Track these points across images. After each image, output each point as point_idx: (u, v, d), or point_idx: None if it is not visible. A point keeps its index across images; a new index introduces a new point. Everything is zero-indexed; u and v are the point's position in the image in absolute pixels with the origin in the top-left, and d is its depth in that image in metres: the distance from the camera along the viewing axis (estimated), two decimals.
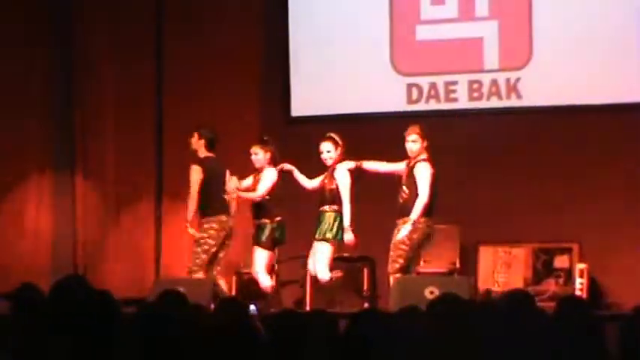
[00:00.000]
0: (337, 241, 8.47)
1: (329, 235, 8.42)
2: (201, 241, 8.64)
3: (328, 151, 8.46)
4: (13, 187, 10.76)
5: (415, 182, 8.18)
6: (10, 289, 4.85)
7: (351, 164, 8.47)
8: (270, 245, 8.75)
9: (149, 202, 10.75)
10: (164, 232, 10.65)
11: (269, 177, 8.69)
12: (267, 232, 8.69)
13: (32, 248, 10.62)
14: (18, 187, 10.76)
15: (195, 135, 8.83)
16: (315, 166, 8.65)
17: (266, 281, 8.70)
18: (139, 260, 10.67)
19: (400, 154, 8.34)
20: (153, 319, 3.82)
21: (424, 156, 8.25)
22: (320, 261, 8.46)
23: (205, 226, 8.67)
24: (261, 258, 8.69)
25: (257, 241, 8.72)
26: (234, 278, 9.53)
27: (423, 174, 8.18)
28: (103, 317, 3.25)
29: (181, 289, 6.16)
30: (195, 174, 8.66)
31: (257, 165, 8.68)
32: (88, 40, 10.83)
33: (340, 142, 8.47)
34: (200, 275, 8.61)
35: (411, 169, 8.24)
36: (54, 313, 3.38)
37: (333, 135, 8.50)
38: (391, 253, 8.17)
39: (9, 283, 5.45)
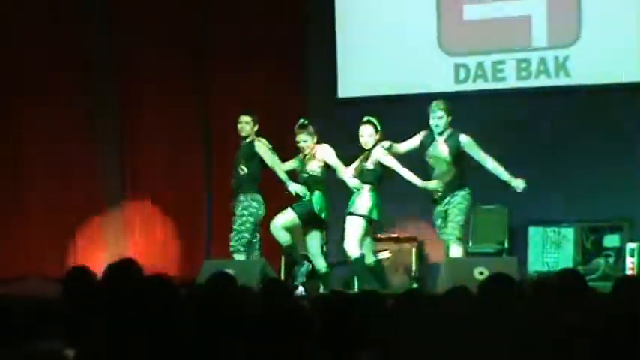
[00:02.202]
0: (371, 220, 8.40)
1: (363, 212, 8.34)
2: (244, 219, 8.70)
3: (370, 135, 8.40)
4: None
5: (455, 155, 8.17)
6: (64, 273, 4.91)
7: (386, 144, 8.41)
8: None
9: (199, 183, 10.80)
10: (215, 213, 10.69)
11: (330, 152, 8.64)
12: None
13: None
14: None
15: (251, 121, 8.83)
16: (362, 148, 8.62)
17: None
18: (189, 241, 10.74)
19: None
20: (203, 301, 3.85)
21: (452, 129, 8.24)
22: (350, 235, 8.39)
23: (245, 204, 8.73)
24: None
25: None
26: (282, 259, 9.55)
27: (473, 144, 8.20)
28: (163, 300, 3.28)
29: (231, 271, 6.23)
30: (264, 146, 8.73)
31: (307, 151, 8.62)
32: (130, 26, 10.91)
33: (379, 127, 8.41)
34: (242, 256, 8.66)
35: (449, 142, 8.20)
36: (110, 296, 3.43)
37: (372, 119, 8.44)
38: (451, 223, 8.11)
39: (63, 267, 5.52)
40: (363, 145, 8.41)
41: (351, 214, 8.34)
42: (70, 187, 10.84)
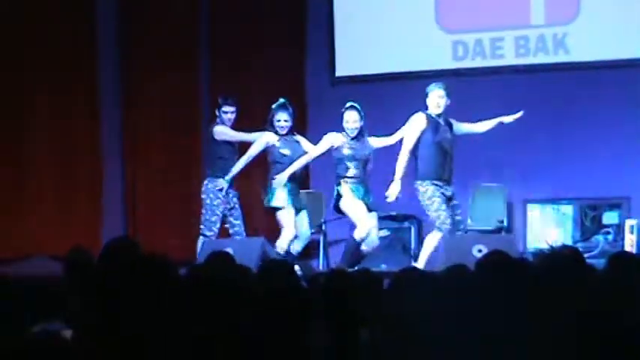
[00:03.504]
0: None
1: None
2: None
3: (355, 121, 8.35)
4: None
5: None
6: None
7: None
8: None
9: (197, 163, 10.79)
10: None
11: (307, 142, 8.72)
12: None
13: (84, 218, 10.72)
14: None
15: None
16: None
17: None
18: (186, 221, 10.72)
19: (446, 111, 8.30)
20: (202, 281, 3.85)
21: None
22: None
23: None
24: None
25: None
26: None
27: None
28: (160, 280, 3.28)
29: (229, 250, 6.23)
30: None
31: (285, 132, 8.60)
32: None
33: (362, 113, 8.38)
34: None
35: (450, 125, 8.21)
36: (105, 275, 3.43)
37: (355, 104, 8.38)
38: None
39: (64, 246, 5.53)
40: (348, 131, 8.32)
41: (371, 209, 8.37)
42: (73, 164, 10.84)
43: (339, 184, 8.29)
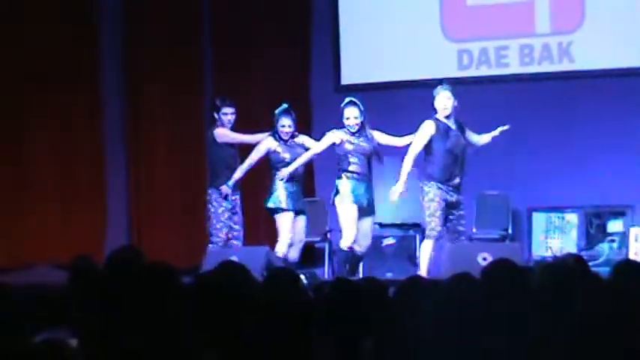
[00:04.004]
0: None
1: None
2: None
3: (356, 117, 8.32)
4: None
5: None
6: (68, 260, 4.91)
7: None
8: None
9: (200, 163, 10.78)
10: None
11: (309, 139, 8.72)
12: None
13: (87, 226, 10.68)
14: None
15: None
16: None
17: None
18: (190, 229, 10.71)
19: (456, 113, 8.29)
20: (206, 289, 3.85)
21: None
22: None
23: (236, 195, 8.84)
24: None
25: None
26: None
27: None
28: (164, 289, 3.28)
29: (235, 259, 6.22)
30: None
31: (288, 137, 8.57)
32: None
33: (362, 107, 8.38)
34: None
35: (461, 127, 8.21)
36: (110, 284, 3.43)
37: (355, 100, 8.36)
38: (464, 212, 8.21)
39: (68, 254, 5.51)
40: (349, 128, 8.26)
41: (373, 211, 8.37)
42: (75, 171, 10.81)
43: (340, 177, 8.27)
